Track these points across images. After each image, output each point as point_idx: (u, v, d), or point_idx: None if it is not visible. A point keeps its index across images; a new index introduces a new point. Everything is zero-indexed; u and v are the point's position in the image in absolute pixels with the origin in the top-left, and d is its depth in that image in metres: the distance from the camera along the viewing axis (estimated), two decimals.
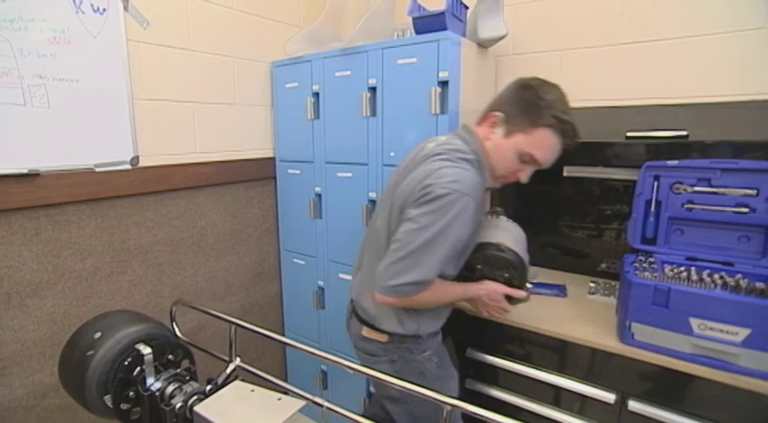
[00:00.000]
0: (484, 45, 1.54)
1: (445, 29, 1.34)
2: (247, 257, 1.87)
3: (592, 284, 1.47)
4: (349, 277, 1.73)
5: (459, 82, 1.38)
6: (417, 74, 1.40)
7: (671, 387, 1.06)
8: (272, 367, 2.02)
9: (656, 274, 1.09)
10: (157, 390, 0.93)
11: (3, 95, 1.17)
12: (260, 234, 1.91)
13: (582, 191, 1.57)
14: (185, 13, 1.56)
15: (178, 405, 0.88)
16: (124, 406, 0.95)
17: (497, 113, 1.05)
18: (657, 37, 1.40)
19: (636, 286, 1.05)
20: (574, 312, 1.30)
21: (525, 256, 1.16)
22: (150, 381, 0.94)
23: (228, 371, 1.04)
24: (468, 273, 1.17)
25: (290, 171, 1.86)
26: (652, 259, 1.20)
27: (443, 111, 1.37)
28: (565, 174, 1.54)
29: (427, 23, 1.37)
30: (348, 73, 1.59)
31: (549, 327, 1.21)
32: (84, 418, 1.13)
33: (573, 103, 1.54)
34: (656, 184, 1.24)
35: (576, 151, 1.01)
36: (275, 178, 1.92)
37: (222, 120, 1.72)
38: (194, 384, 0.94)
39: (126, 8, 1.41)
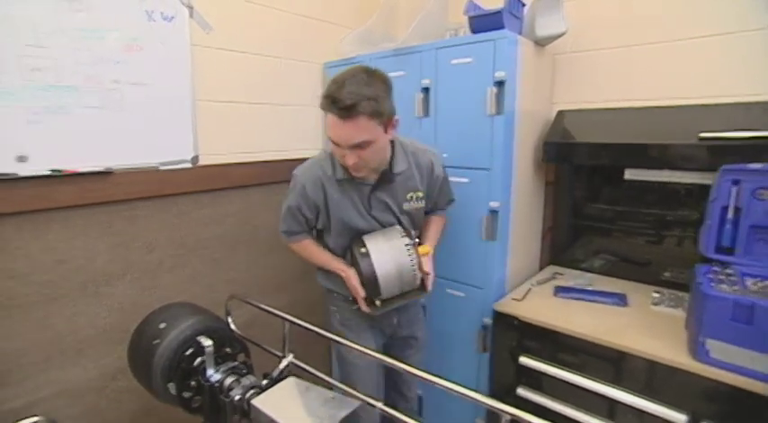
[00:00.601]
0: (541, 43, 1.48)
1: (502, 27, 1.31)
2: (296, 256, 1.91)
3: (655, 294, 1.38)
4: None
5: (515, 82, 1.34)
6: (472, 74, 1.38)
7: (751, 411, 0.97)
8: (317, 365, 2.05)
9: (735, 288, 1.00)
10: (217, 381, 0.97)
11: (84, 100, 1.26)
12: None
13: (641, 194, 1.49)
14: (243, 17, 1.62)
15: (237, 397, 0.91)
16: (186, 394, 1.00)
17: None
18: (735, 29, 1.30)
19: (712, 299, 0.97)
20: (636, 323, 1.23)
21: (389, 278, 1.17)
22: (210, 372, 0.98)
23: (282, 366, 1.07)
24: (352, 254, 1.22)
25: None
26: (730, 271, 1.11)
27: (500, 111, 1.33)
28: (626, 177, 1.46)
29: (484, 22, 1.34)
30: (401, 73, 1.58)
31: (611, 338, 1.15)
32: (147, 401, 1.20)
33: (637, 104, 1.49)
34: (734, 189, 1.14)
35: (639, 153, 0.95)
36: None
37: (275, 120, 1.77)
38: (251, 378, 0.97)
39: (191, 15, 1.48)
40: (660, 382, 1.10)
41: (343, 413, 0.89)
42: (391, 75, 1.59)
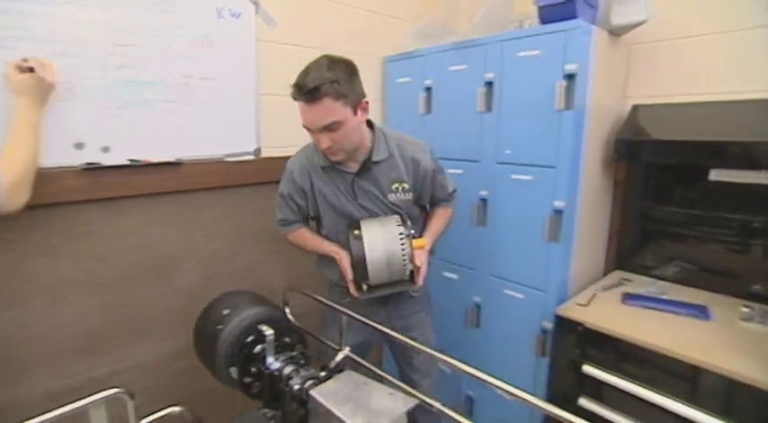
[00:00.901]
0: (616, 33, 1.39)
1: (575, 17, 1.23)
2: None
3: (745, 309, 1.24)
4: (451, 275, 1.70)
5: (587, 75, 1.27)
6: (540, 67, 1.31)
7: None
8: (367, 359, 2.07)
9: None
10: (276, 369, 0.99)
11: (160, 93, 1.33)
12: None
13: (723, 197, 1.36)
14: (306, 12, 1.64)
15: (296, 387, 0.93)
16: (247, 379, 1.03)
17: None
18: None
19: None
20: (722, 340, 1.12)
21: (377, 264, 1.17)
22: (270, 360, 1.00)
23: (338, 359, 1.07)
24: (347, 236, 1.23)
25: None
26: None
27: (569, 106, 1.26)
28: (712, 178, 1.33)
29: (555, 12, 1.27)
30: (463, 67, 1.54)
31: (692, 353, 1.06)
32: (208, 381, 1.27)
33: (728, 97, 1.35)
34: None
35: (728, 152, 0.85)
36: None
37: None
38: (310, 369, 0.99)
39: (257, 11, 1.52)
40: (743, 405, 1.00)
41: (402, 410, 0.89)
42: (452, 69, 1.59)
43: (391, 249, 1.17)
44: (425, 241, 1.28)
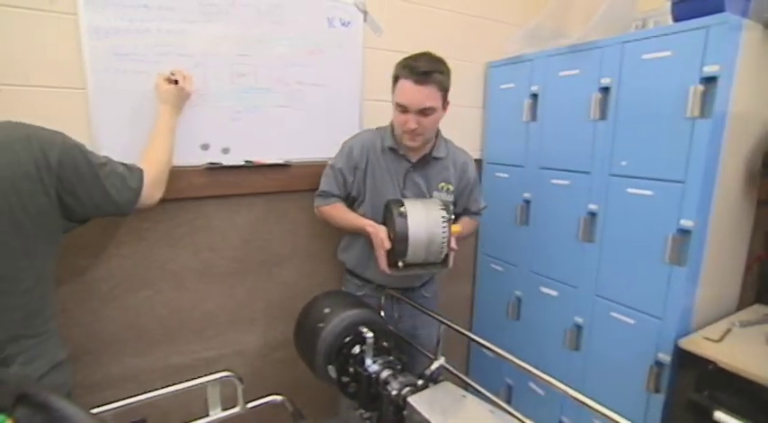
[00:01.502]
0: None
1: (721, 10, 1.09)
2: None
3: None
4: (550, 291, 1.60)
5: (732, 77, 1.11)
6: (670, 70, 1.18)
7: None
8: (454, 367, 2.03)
9: None
10: (374, 372, 1.00)
11: (275, 99, 1.43)
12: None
13: None
14: (410, 18, 1.65)
15: (393, 392, 0.93)
16: (344, 379, 1.06)
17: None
18: None
19: None
20: None
21: (417, 242, 1.17)
22: (368, 362, 1.01)
23: (433, 367, 1.06)
24: (384, 214, 1.27)
25: (497, 174, 1.81)
26: None
27: (705, 114, 1.12)
28: None
29: (694, 7, 1.13)
30: (576, 72, 1.45)
31: None
32: (301, 373, 1.33)
33: None
34: None
35: None
36: (480, 180, 1.90)
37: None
38: (407, 375, 0.99)
39: (365, 19, 1.57)
40: None
41: None
42: (562, 74, 1.50)
43: (433, 231, 1.18)
44: (459, 227, 1.32)
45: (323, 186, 1.36)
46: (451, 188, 1.37)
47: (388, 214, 1.23)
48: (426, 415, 0.85)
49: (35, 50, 1.10)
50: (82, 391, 1.28)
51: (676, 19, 1.19)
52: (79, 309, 1.25)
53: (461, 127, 1.85)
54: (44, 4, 1.09)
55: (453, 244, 1.22)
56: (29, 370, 0.86)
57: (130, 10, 1.18)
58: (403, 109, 1.21)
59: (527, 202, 1.68)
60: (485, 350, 1.92)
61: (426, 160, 1.33)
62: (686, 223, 1.17)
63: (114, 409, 0.88)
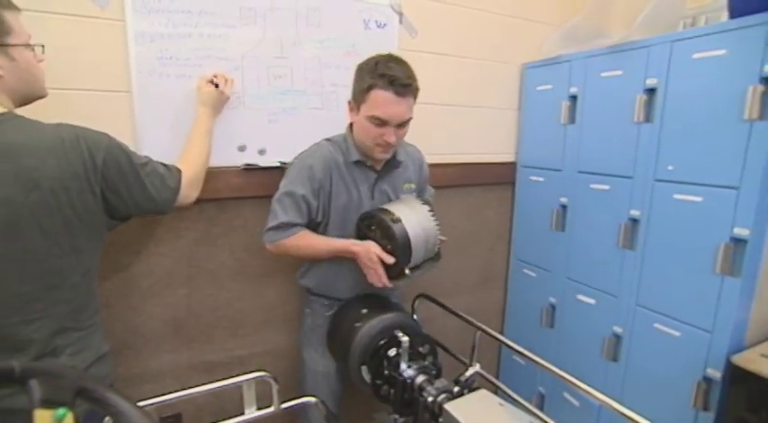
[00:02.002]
0: None
1: None
2: (478, 260, 1.88)
3: None
4: (587, 299, 1.55)
5: None
6: (725, 69, 1.13)
7: None
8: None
9: None
10: (409, 377, 0.98)
11: (310, 100, 1.44)
12: (493, 239, 1.89)
13: None
14: (444, 19, 1.63)
15: (429, 398, 0.91)
16: (378, 381, 1.05)
17: (349, 101, 1.19)
18: None
19: None
20: None
21: (418, 243, 1.14)
22: (403, 366, 1.00)
23: (468, 374, 1.03)
24: (363, 231, 1.20)
25: (532, 178, 1.77)
26: None
27: (765, 116, 1.06)
28: None
29: (752, 2, 1.07)
30: (618, 73, 1.40)
31: None
32: None
33: None
34: None
35: None
36: (514, 184, 1.87)
37: (469, 122, 1.75)
38: (443, 381, 0.97)
39: (401, 21, 1.56)
40: None
41: None
42: (604, 75, 1.45)
43: (427, 226, 1.16)
44: None
45: (281, 218, 1.16)
46: (413, 186, 1.33)
47: (376, 226, 1.16)
48: (463, 421, 0.84)
49: (85, 55, 1.14)
50: (123, 383, 1.32)
51: (732, 15, 1.13)
52: (121, 304, 1.29)
53: (495, 129, 1.82)
54: (95, 11, 1.13)
55: (443, 235, 1.22)
56: (76, 361, 0.90)
57: (174, 15, 1.22)
58: (381, 123, 1.10)
59: (563, 206, 1.63)
60: (516, 358, 1.90)
61: (391, 165, 1.26)
62: (741, 232, 1.11)
63: (154, 404, 0.90)
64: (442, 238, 1.22)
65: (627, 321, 1.41)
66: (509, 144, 1.86)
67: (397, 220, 1.12)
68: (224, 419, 0.99)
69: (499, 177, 1.84)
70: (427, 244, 1.18)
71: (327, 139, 1.25)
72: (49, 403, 0.43)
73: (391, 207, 1.17)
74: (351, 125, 1.24)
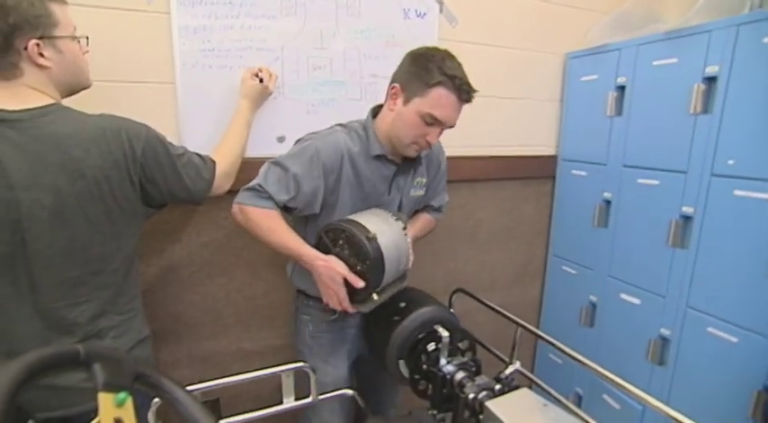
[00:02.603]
0: None
1: None
2: (515, 256, 1.83)
3: None
4: (631, 299, 1.49)
5: None
6: None
7: None
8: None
9: None
10: (449, 373, 0.97)
11: (349, 91, 1.43)
12: (531, 234, 1.84)
13: None
14: (485, 8, 1.58)
15: (470, 395, 0.89)
16: (416, 376, 1.04)
17: (395, 84, 1.08)
18: None
19: None
20: None
21: (391, 265, 1.03)
22: (443, 362, 0.98)
23: (508, 372, 1.01)
24: (327, 245, 1.05)
25: (574, 172, 1.71)
26: None
27: None
28: None
29: None
30: (673, 61, 1.32)
31: None
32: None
33: None
34: None
35: None
36: (554, 178, 1.81)
37: (508, 114, 1.70)
38: (484, 377, 0.95)
39: (441, 10, 1.52)
40: None
41: None
42: (656, 63, 1.37)
43: (401, 247, 1.08)
44: (413, 232, 1.24)
45: (263, 184, 1.03)
46: (424, 181, 1.25)
47: (345, 241, 1.02)
48: (506, 420, 0.81)
49: (131, 48, 1.17)
50: (166, 367, 1.36)
51: None
52: (164, 291, 1.32)
53: (536, 122, 1.76)
54: (141, 4, 1.16)
55: (412, 255, 1.14)
56: (119, 343, 0.93)
57: (216, 7, 1.22)
58: (433, 122, 1.03)
59: (607, 202, 1.56)
60: (552, 356, 1.85)
61: (418, 159, 1.18)
62: None
63: (199, 389, 0.92)
64: (412, 257, 1.15)
65: (676, 323, 1.34)
66: (550, 137, 1.79)
67: (373, 238, 0.99)
68: (262, 408, 1.01)
69: (539, 171, 1.78)
70: (399, 265, 1.08)
71: (342, 125, 1.15)
72: (110, 387, 0.44)
73: (363, 220, 1.03)
74: (374, 114, 1.16)
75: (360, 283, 1.00)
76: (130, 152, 0.89)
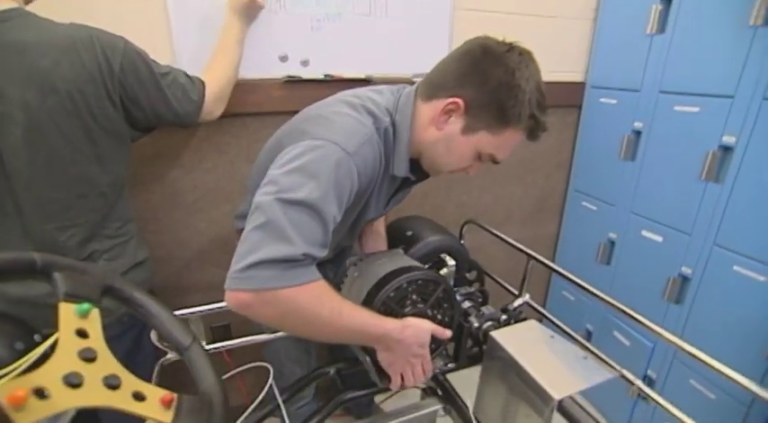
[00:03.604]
0: None
1: None
2: (532, 190, 1.75)
3: None
4: (653, 236, 1.42)
5: None
6: None
7: None
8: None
9: None
10: None
11: (356, 5, 1.29)
12: (550, 168, 1.74)
13: None
14: None
15: (475, 324, 0.86)
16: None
17: (458, 100, 0.76)
18: None
19: None
20: None
21: None
22: None
23: (517, 304, 0.98)
24: (394, 310, 0.78)
25: (602, 100, 1.56)
26: None
27: None
28: None
29: None
30: None
31: None
32: None
33: None
34: None
35: None
36: (580, 107, 1.67)
37: (533, 34, 1.53)
38: (490, 308, 0.92)
39: None
40: None
41: (595, 381, 0.76)
42: None
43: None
44: None
45: (282, 251, 0.61)
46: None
47: (417, 290, 0.80)
48: (511, 351, 0.79)
49: None
50: (174, 291, 1.38)
51: None
52: (168, 217, 1.30)
53: (563, 43, 1.59)
54: None
55: None
56: (113, 266, 0.91)
57: None
58: (488, 159, 0.82)
59: (637, 132, 1.44)
60: (565, 292, 1.82)
61: (423, 177, 0.92)
62: None
63: (202, 311, 0.91)
64: None
65: (699, 262, 1.27)
66: (578, 61, 1.63)
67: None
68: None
69: (564, 99, 1.64)
70: None
71: (370, 113, 0.77)
72: (73, 297, 0.40)
73: (404, 261, 0.85)
74: (412, 107, 0.81)
75: (447, 333, 0.80)
76: (106, 66, 0.81)
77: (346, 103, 0.79)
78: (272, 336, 1.03)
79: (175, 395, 0.41)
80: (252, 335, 1.02)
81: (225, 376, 1.09)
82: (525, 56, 0.77)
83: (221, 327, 1.48)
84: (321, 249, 0.67)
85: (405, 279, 0.76)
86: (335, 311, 0.67)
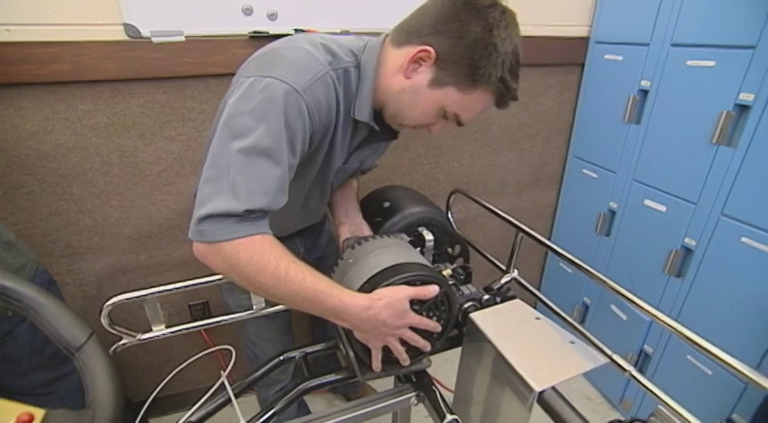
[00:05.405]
0: None
1: None
2: (529, 157, 1.63)
3: None
4: (656, 205, 1.31)
5: None
6: None
7: None
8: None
9: None
10: None
11: None
12: (549, 132, 1.61)
13: None
14: None
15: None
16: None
17: (429, 49, 0.70)
18: None
19: None
20: None
21: None
22: None
23: (503, 281, 0.89)
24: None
25: (607, 56, 1.42)
26: None
27: None
28: None
29: None
30: None
31: None
32: None
33: None
34: None
35: None
36: (583, 65, 1.53)
37: None
38: (471, 287, 0.83)
39: None
40: None
41: (584, 368, 0.68)
42: None
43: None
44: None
45: (253, 198, 0.62)
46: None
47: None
48: (491, 337, 0.70)
49: None
50: (147, 270, 1.31)
51: None
52: (132, 192, 1.21)
53: None
54: None
55: None
56: None
57: None
58: (453, 120, 0.77)
59: (644, 91, 1.31)
60: (563, 265, 1.74)
61: (390, 131, 0.87)
62: None
63: (179, 288, 0.82)
64: None
65: (705, 233, 1.18)
66: (582, 13, 1.47)
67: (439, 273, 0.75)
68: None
69: (565, 56, 1.49)
70: None
71: (330, 52, 0.71)
72: None
73: (404, 255, 0.74)
74: (380, 50, 0.75)
75: (437, 327, 0.71)
76: None
77: (307, 39, 0.73)
78: (244, 314, 0.96)
79: (41, 412, 0.33)
80: (228, 314, 0.95)
81: (192, 359, 1.06)
82: (508, 15, 0.70)
83: (200, 305, 1.42)
84: (275, 198, 0.65)
85: (400, 279, 0.67)
86: (281, 270, 0.63)
